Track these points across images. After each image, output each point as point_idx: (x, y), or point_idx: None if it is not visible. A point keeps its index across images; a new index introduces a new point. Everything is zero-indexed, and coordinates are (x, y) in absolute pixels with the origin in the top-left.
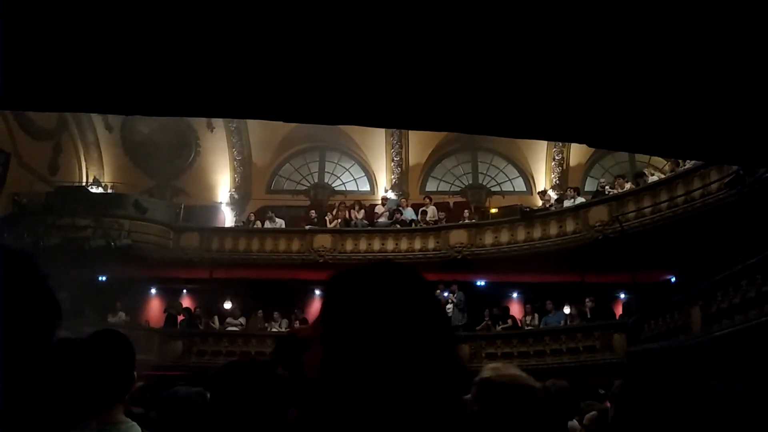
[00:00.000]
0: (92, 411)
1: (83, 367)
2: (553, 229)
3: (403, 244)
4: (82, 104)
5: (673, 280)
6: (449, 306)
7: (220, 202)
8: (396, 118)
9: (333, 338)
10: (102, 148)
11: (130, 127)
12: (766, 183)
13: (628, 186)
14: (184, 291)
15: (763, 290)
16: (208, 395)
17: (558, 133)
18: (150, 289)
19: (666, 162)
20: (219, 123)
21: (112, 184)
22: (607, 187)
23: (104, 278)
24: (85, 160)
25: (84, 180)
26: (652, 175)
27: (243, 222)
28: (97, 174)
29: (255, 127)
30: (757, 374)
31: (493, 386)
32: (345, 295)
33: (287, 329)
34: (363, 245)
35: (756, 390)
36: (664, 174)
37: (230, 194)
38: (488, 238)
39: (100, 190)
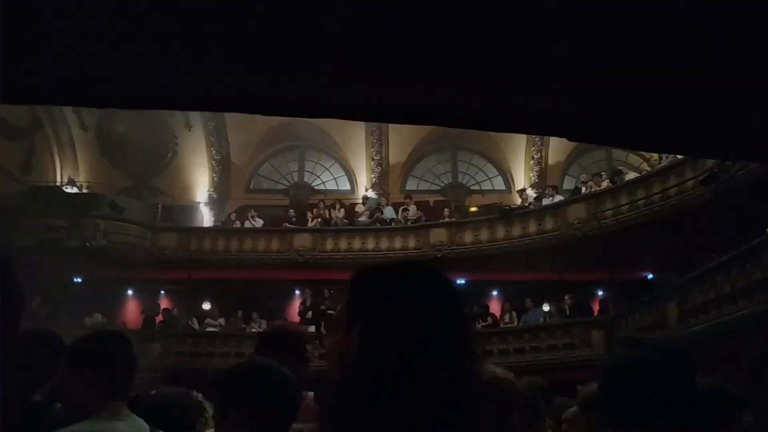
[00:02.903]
0: (100, 405)
1: (88, 365)
2: (532, 227)
3: (384, 243)
4: (54, 96)
5: (650, 276)
6: None
7: (199, 202)
8: (375, 111)
9: (372, 328)
10: (77, 147)
11: (105, 127)
12: (740, 180)
13: (605, 184)
14: (162, 292)
15: (738, 286)
16: (200, 395)
17: (539, 127)
18: (127, 290)
19: (642, 161)
20: (197, 122)
21: (87, 184)
22: (583, 188)
23: (80, 280)
24: (60, 160)
25: (58, 180)
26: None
27: (222, 222)
28: (71, 174)
29: (234, 126)
30: (731, 368)
31: None
32: (383, 288)
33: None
34: (343, 244)
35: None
36: (640, 172)
37: (209, 194)
38: (468, 237)
39: (75, 190)
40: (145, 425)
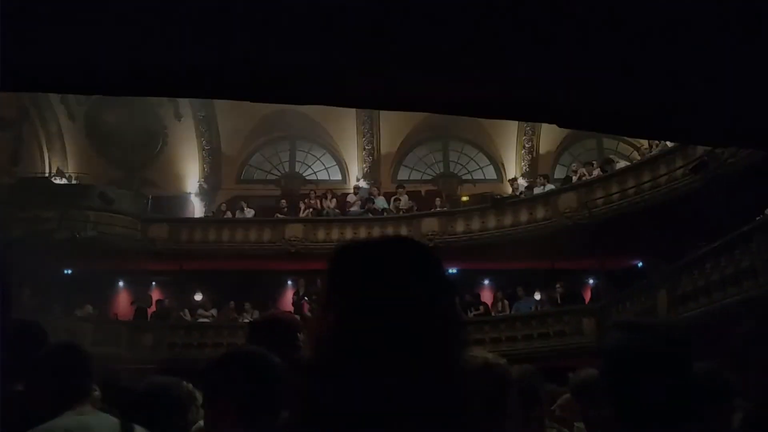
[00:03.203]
0: (66, 406)
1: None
2: (524, 216)
3: (375, 233)
4: (48, 83)
5: (640, 265)
6: None
7: (190, 193)
8: (365, 98)
9: (351, 302)
10: (65, 138)
11: (94, 117)
12: (729, 168)
13: (596, 173)
14: (154, 283)
15: (727, 273)
16: (189, 384)
17: (531, 114)
18: (118, 281)
19: (632, 149)
20: (187, 112)
21: (76, 175)
22: (574, 177)
23: (70, 271)
24: (48, 151)
25: (47, 171)
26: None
27: (213, 212)
28: (60, 165)
29: (224, 116)
30: (719, 354)
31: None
32: (364, 262)
33: None
34: (335, 234)
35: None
36: (631, 161)
37: (199, 184)
38: (460, 226)
39: (64, 181)
40: (114, 420)
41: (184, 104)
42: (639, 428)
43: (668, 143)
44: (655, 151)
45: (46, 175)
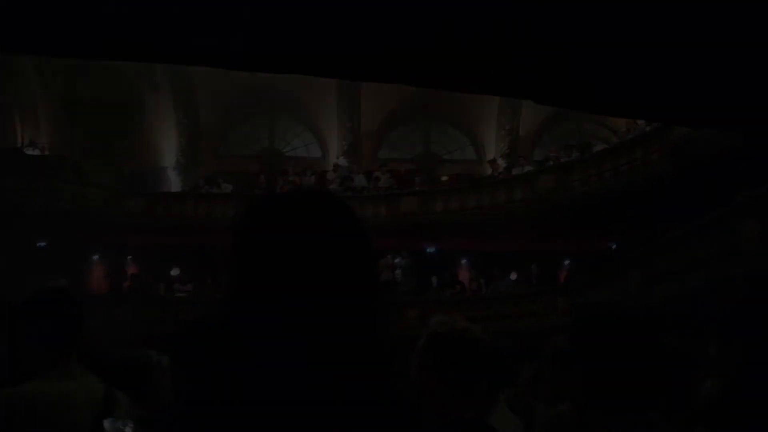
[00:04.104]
0: (49, 364)
1: (29, 325)
2: (502, 197)
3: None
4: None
5: (614, 247)
6: (397, 271)
7: (167, 167)
8: (346, 68)
9: (250, 261)
10: (39, 108)
11: (69, 87)
12: (703, 153)
13: (574, 155)
14: (130, 257)
15: (698, 256)
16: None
17: (508, 89)
18: (93, 255)
19: (611, 133)
20: (164, 84)
21: (49, 146)
22: (553, 156)
23: (44, 244)
24: (20, 121)
25: (19, 142)
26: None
27: (191, 187)
28: (33, 136)
29: (203, 90)
30: (688, 332)
31: (441, 339)
32: (269, 219)
33: None
34: None
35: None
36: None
37: (177, 158)
38: (439, 206)
39: (37, 152)
40: (99, 384)
41: (161, 75)
42: (608, 402)
43: (646, 127)
44: (632, 134)
45: (19, 146)
